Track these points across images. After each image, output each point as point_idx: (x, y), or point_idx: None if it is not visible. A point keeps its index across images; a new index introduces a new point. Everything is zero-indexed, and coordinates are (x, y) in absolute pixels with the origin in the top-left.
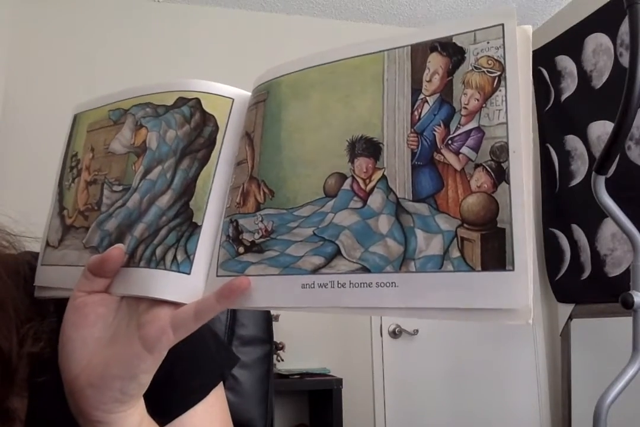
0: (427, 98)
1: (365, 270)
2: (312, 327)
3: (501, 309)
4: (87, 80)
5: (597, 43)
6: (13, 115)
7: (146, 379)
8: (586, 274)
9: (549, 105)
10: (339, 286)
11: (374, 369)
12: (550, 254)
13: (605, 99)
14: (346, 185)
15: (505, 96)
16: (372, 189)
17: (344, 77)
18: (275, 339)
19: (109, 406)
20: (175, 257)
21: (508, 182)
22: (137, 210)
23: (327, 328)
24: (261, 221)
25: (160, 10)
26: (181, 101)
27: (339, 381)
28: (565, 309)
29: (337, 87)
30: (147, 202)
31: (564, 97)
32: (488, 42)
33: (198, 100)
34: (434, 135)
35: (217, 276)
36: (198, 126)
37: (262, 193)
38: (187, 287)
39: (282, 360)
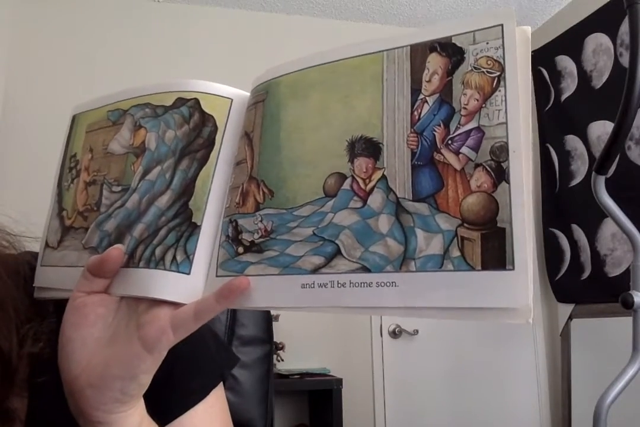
0: (427, 98)
1: (366, 270)
2: (312, 327)
3: (501, 309)
4: (87, 80)
5: (597, 43)
6: (13, 115)
7: (146, 380)
8: (586, 274)
9: (549, 105)
10: (339, 285)
11: (374, 369)
12: (550, 254)
13: (605, 99)
14: (346, 185)
15: (505, 96)
16: (372, 189)
17: (343, 77)
18: (275, 339)
19: (108, 406)
20: (174, 257)
21: (508, 182)
22: (136, 210)
23: (327, 328)
24: (261, 221)
25: (160, 10)
26: (180, 101)
27: (339, 381)
28: (565, 309)
29: (336, 87)
30: (146, 203)
31: (564, 97)
32: (487, 43)
33: (197, 101)
34: (434, 135)
35: (217, 276)
36: (197, 126)
37: (261, 193)
38: (186, 287)
39: (282, 360)
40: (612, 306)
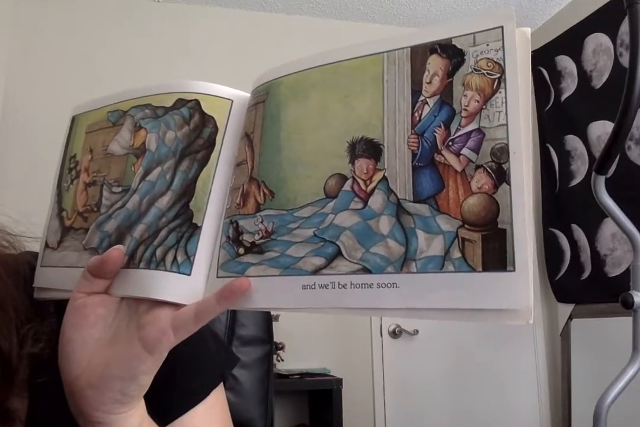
0: (427, 100)
1: (366, 271)
2: (312, 327)
3: (502, 310)
4: (87, 80)
5: (597, 43)
6: (13, 115)
7: (146, 380)
8: (586, 274)
9: (549, 105)
10: (340, 286)
11: (374, 369)
12: (550, 254)
13: (605, 99)
14: (347, 186)
15: (505, 98)
16: (372, 190)
17: (343, 78)
18: (275, 339)
19: (109, 407)
20: (175, 258)
21: (509, 183)
22: (136, 211)
23: (327, 328)
24: (261, 222)
25: (160, 10)
26: (180, 102)
27: (339, 381)
28: (565, 309)
29: (336, 87)
30: (146, 204)
31: (564, 97)
32: (487, 45)
33: (197, 102)
34: (435, 136)
35: (218, 277)
36: (197, 127)
37: (262, 194)
38: (187, 288)
39: (282, 360)
40: (612, 306)
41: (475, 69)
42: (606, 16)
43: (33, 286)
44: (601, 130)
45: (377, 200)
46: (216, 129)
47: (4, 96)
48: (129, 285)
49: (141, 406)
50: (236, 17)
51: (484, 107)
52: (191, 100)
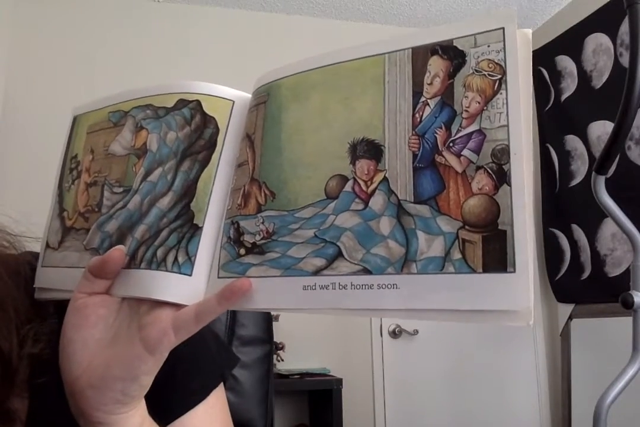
0: (428, 101)
1: (367, 271)
2: (312, 327)
3: (502, 311)
4: (87, 80)
5: (597, 43)
6: (13, 115)
7: (147, 381)
8: (586, 274)
9: (549, 105)
10: (341, 287)
11: (374, 369)
12: (550, 254)
13: (605, 99)
14: (347, 187)
15: (506, 99)
16: (373, 191)
17: (344, 79)
18: (275, 339)
19: (109, 407)
20: (176, 258)
21: (509, 184)
22: (137, 211)
23: (327, 328)
24: (262, 223)
25: (160, 10)
26: (182, 103)
27: (339, 381)
28: (565, 309)
29: (337, 89)
30: (147, 204)
31: (564, 97)
32: (489, 46)
33: (199, 103)
34: (435, 137)
35: (219, 277)
36: (199, 128)
37: (263, 195)
38: (188, 288)
39: (282, 360)
40: (612, 306)
41: (476, 70)
42: (606, 16)
43: (34, 286)
44: (601, 130)
45: (377, 201)
46: (217, 129)
47: (4, 96)
48: (130, 285)
49: (142, 406)
50: (236, 17)
51: (485, 108)
52: (192, 100)
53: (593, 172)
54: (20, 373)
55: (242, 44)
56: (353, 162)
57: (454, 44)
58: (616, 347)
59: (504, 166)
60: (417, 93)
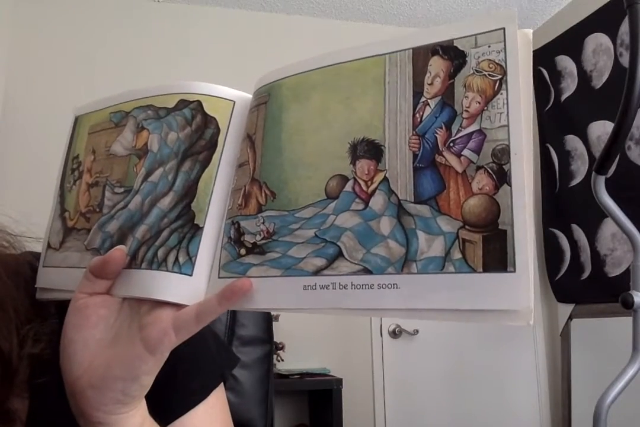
0: (429, 101)
1: (367, 271)
2: (312, 327)
3: (502, 311)
4: (87, 80)
5: (597, 43)
6: (13, 115)
7: (148, 381)
8: (586, 274)
9: (549, 105)
10: (341, 287)
11: (374, 369)
12: (550, 254)
13: (605, 99)
14: (348, 187)
15: (507, 99)
16: (373, 191)
17: (345, 79)
18: (275, 339)
19: (110, 407)
20: (177, 258)
21: (509, 184)
22: (138, 212)
23: (327, 328)
24: (263, 223)
25: (160, 10)
26: (182, 103)
27: (339, 381)
28: (565, 309)
29: (337, 89)
30: (148, 204)
31: (564, 97)
32: (489, 46)
33: (199, 103)
34: (436, 137)
35: (219, 277)
36: (199, 128)
37: (263, 195)
38: (189, 288)
39: (282, 360)
40: (612, 306)
41: (476, 71)
42: (606, 16)
43: (35, 286)
44: (601, 130)
45: (378, 201)
46: (218, 130)
47: (4, 96)
48: (131, 285)
49: (142, 406)
50: (236, 17)
51: (485, 108)
52: (193, 101)
53: (593, 172)
54: (20, 373)
55: (242, 44)
56: (353, 162)
57: (455, 44)
58: (616, 347)
59: (504, 166)
60: (417, 93)
